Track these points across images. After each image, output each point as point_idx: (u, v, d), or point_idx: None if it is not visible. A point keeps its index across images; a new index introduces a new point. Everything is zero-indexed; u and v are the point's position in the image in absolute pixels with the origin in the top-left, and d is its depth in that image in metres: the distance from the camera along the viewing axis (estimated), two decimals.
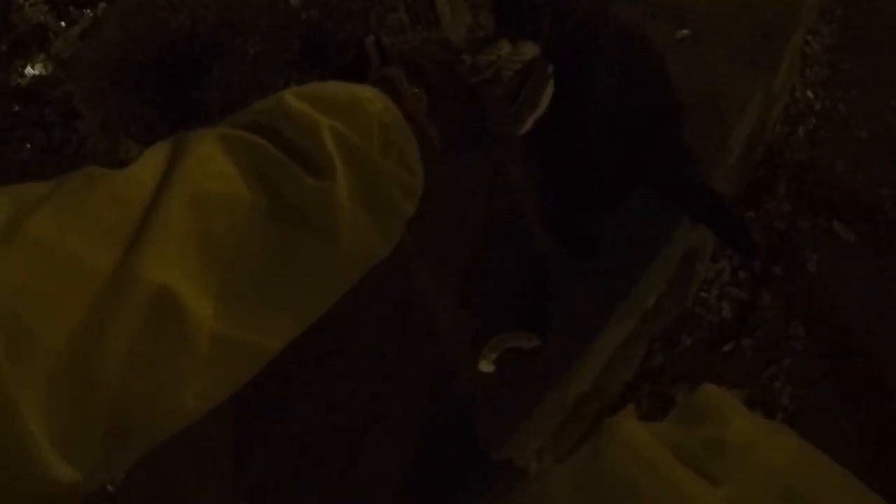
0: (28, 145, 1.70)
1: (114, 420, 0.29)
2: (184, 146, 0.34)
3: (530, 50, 0.58)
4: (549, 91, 0.56)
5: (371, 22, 1.31)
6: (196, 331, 0.30)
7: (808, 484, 0.39)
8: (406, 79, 0.48)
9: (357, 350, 0.80)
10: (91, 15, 1.96)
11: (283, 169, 0.35)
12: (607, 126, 0.72)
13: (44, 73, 1.87)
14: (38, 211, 0.28)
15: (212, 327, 0.31)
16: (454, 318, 0.80)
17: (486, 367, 0.74)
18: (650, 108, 0.82)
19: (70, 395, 0.27)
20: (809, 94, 1.50)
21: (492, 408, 0.76)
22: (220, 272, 0.32)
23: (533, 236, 0.89)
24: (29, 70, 1.82)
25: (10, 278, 0.27)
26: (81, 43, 1.89)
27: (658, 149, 0.87)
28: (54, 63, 1.87)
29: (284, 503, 0.75)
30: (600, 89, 0.70)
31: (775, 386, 1.18)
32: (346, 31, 1.34)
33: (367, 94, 0.43)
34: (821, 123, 1.49)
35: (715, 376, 1.14)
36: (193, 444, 0.80)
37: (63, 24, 1.96)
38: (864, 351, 1.21)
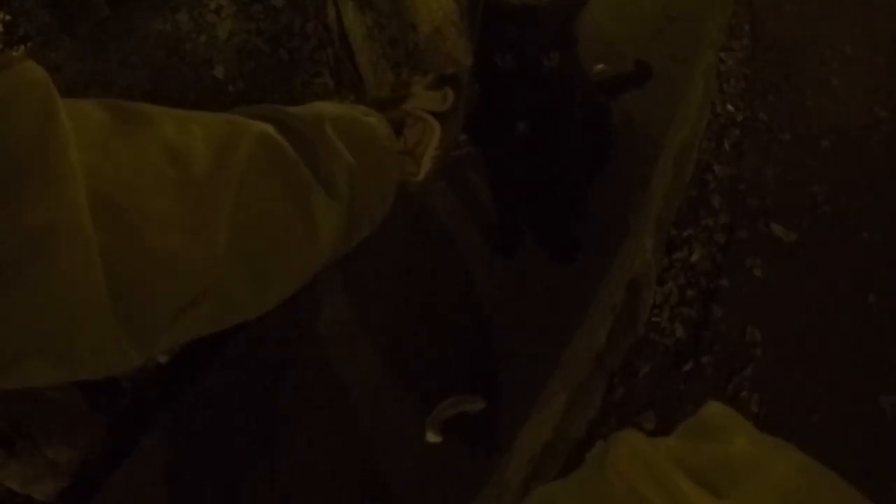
0: None
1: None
2: (238, 136, 0.43)
3: None
4: None
5: (296, 88, 1.32)
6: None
7: (812, 499, 0.40)
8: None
9: (298, 436, 0.77)
10: None
11: (310, 189, 0.46)
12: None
13: None
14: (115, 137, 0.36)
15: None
16: (395, 391, 0.78)
17: (433, 438, 0.72)
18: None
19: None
20: (730, 107, 1.57)
21: (447, 479, 0.73)
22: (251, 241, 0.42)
23: (473, 287, 0.88)
24: None
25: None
26: None
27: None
28: None
29: None
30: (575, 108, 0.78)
31: (742, 396, 1.19)
32: (273, 100, 1.34)
33: (390, 150, 0.58)
34: (745, 134, 1.55)
35: (679, 398, 1.14)
36: None
37: None
38: (822, 344, 1.24)
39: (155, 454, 0.83)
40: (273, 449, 0.77)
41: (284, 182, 0.44)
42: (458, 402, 0.73)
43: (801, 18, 1.84)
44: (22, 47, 1.90)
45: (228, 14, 1.47)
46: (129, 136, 0.36)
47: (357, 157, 0.52)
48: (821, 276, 1.33)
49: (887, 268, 1.33)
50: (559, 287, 0.85)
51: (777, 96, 1.66)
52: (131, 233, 0.34)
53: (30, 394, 0.96)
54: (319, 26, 1.28)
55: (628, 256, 0.95)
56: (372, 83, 1.20)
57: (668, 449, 0.41)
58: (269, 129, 0.45)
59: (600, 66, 1.19)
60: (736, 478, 0.39)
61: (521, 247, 0.90)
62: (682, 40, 1.31)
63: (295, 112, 0.50)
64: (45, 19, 1.78)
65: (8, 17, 1.82)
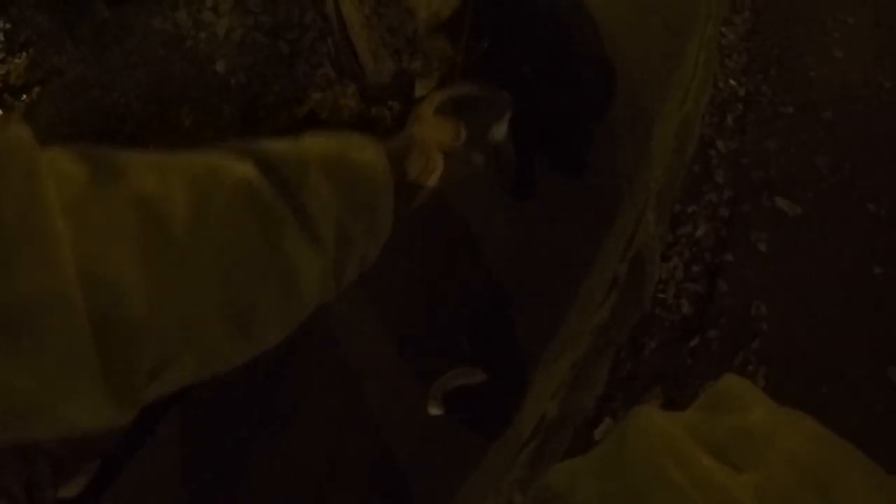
0: None
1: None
2: (219, 185, 0.42)
3: None
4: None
5: (298, 79, 1.33)
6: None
7: (827, 467, 0.40)
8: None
9: (305, 413, 0.79)
10: (27, 100, 1.95)
11: (293, 241, 0.44)
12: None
13: None
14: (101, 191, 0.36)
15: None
16: (397, 363, 0.80)
17: (435, 410, 0.74)
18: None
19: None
20: (732, 82, 1.56)
21: (449, 449, 0.75)
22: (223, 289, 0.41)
23: (482, 264, 0.89)
24: None
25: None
26: None
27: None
28: None
29: None
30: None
31: (749, 370, 1.19)
32: (275, 93, 1.35)
33: (386, 189, 0.53)
34: (747, 108, 1.54)
35: (686, 373, 1.15)
36: None
37: None
38: (829, 317, 1.24)
39: (168, 434, 0.85)
40: (281, 425, 0.79)
41: (265, 233, 0.43)
42: (459, 375, 0.75)
43: None
44: (24, 54, 1.92)
45: (225, 10, 1.48)
46: (106, 197, 0.36)
47: (347, 200, 0.49)
48: (826, 249, 1.33)
49: (893, 239, 1.33)
50: (558, 259, 0.86)
51: (779, 69, 1.65)
52: (115, 301, 0.35)
53: None
54: (318, 17, 1.28)
55: (625, 226, 0.95)
56: (373, 71, 1.21)
57: (685, 424, 0.42)
58: (251, 173, 0.44)
59: None
60: (753, 451, 0.39)
61: (521, 217, 0.91)
62: (676, 14, 1.30)
63: (280, 152, 0.47)
64: (45, 24, 1.80)
65: (8, 25, 1.83)
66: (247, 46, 1.39)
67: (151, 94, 1.64)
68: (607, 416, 1.03)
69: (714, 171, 1.40)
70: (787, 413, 0.46)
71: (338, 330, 0.84)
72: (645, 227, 1.02)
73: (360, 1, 1.23)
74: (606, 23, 1.19)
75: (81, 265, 0.33)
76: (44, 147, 0.36)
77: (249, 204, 0.43)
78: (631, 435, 0.40)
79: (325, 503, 0.73)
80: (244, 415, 0.83)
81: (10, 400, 0.32)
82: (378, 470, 0.73)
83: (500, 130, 0.70)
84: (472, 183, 0.97)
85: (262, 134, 1.47)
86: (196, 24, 1.53)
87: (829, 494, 0.38)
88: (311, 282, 0.46)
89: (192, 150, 0.45)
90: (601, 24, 1.20)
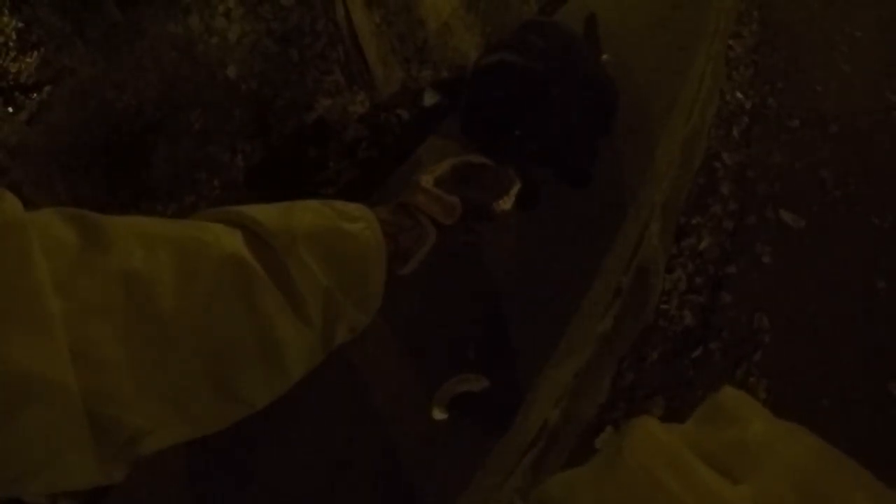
0: None
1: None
2: (206, 260, 0.42)
3: None
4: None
5: (308, 86, 1.34)
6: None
7: (827, 481, 0.40)
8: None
9: (310, 416, 0.80)
10: (37, 99, 1.97)
11: (279, 316, 0.45)
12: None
13: None
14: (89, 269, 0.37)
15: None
16: (402, 369, 0.81)
17: (439, 414, 0.75)
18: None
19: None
20: (739, 94, 1.57)
21: (451, 454, 0.76)
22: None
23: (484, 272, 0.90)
24: None
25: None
26: (29, 128, 1.90)
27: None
28: (1, 150, 1.86)
29: None
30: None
31: (750, 382, 1.20)
32: (285, 98, 1.37)
33: (378, 262, 0.53)
34: (754, 121, 1.55)
35: (688, 384, 1.16)
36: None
37: (10, 109, 1.96)
38: (831, 330, 1.25)
39: None
40: (283, 428, 0.80)
41: (251, 310, 0.43)
42: (463, 381, 0.76)
43: (811, 2, 1.83)
44: (35, 53, 1.94)
45: (237, 16, 1.50)
46: (95, 271, 0.37)
47: (336, 274, 0.49)
48: (830, 263, 1.33)
49: None
50: (562, 269, 0.87)
51: (786, 82, 1.66)
52: (103, 378, 0.36)
53: None
54: (329, 24, 1.30)
55: (629, 237, 0.96)
56: (382, 79, 1.22)
57: (684, 434, 0.43)
58: (239, 248, 0.44)
59: (605, 56, 1.20)
60: (752, 462, 0.40)
61: (526, 228, 0.92)
62: (683, 28, 1.31)
63: (270, 223, 0.47)
64: (57, 24, 1.83)
65: (21, 25, 1.86)
66: (258, 52, 1.41)
67: (162, 96, 1.66)
68: (609, 424, 1.04)
69: (719, 183, 1.41)
70: (786, 426, 0.46)
71: None
72: (649, 238, 1.03)
73: (371, 9, 1.25)
74: (614, 37, 1.21)
75: (72, 344, 0.34)
76: (33, 207, 0.36)
77: (236, 281, 0.43)
78: (628, 445, 0.40)
79: None
80: (248, 417, 0.84)
81: (4, 466, 0.33)
82: (381, 473, 0.74)
83: (507, 202, 0.69)
84: None
85: (272, 138, 1.48)
86: (208, 28, 1.55)
87: None
88: (298, 357, 0.47)
89: (181, 220, 0.45)
90: (608, 39, 1.21)
